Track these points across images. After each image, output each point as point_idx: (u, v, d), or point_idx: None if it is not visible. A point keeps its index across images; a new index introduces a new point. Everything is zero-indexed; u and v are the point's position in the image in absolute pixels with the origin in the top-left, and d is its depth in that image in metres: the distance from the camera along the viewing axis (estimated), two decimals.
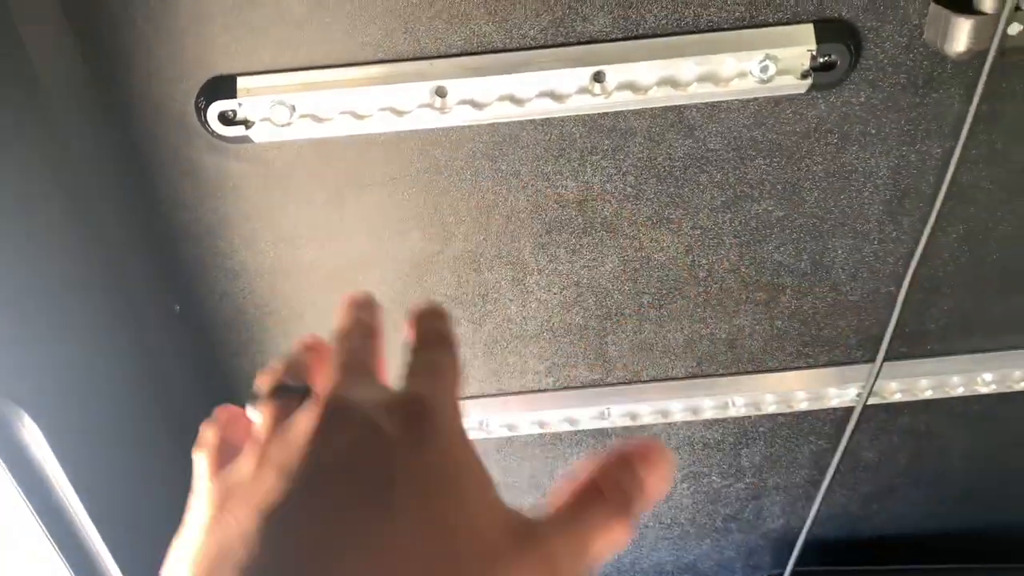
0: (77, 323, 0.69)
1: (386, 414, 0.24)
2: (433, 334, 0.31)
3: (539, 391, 0.88)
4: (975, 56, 0.63)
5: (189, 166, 0.73)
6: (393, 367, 0.31)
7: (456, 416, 0.26)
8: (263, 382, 0.30)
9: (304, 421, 0.25)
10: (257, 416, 0.28)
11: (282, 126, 0.69)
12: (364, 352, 0.31)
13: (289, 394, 0.29)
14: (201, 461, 0.28)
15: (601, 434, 0.93)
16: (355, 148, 0.72)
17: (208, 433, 0.29)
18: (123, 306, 0.75)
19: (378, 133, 0.71)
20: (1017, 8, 0.60)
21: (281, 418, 0.27)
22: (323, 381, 0.29)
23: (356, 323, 0.33)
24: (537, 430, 0.90)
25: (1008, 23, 0.60)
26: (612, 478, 0.25)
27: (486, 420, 0.89)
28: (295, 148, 0.72)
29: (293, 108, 0.69)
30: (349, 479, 0.22)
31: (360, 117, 0.69)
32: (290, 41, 0.67)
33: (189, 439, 0.30)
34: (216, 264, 0.79)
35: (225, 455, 0.28)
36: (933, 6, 0.64)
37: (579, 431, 0.92)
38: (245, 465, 0.25)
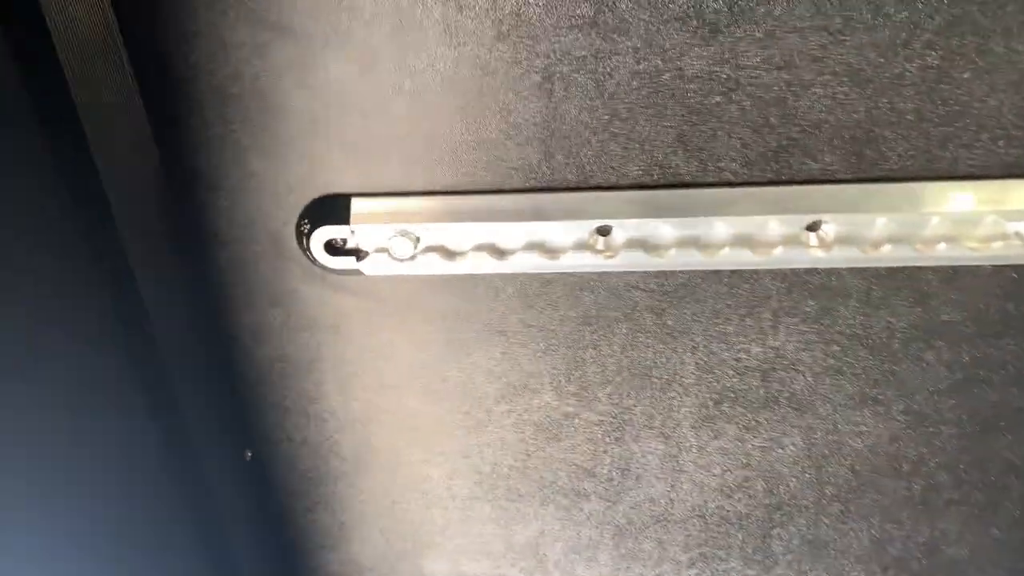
0: (123, 468, 0.55)
1: None
2: None
3: None
4: None
5: (280, 296, 0.59)
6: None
7: None
8: None
9: None
10: None
11: (403, 260, 0.55)
12: None
13: None
14: None
15: None
16: (488, 288, 0.58)
17: None
18: (185, 452, 0.61)
19: (519, 273, 0.57)
20: None
21: None
22: None
23: None
24: None
25: None
26: None
27: None
28: (414, 284, 0.58)
29: (418, 240, 0.55)
30: None
31: (501, 254, 0.55)
32: (421, 159, 0.53)
33: None
34: (300, 408, 0.64)
35: None
36: None
37: None
38: None
